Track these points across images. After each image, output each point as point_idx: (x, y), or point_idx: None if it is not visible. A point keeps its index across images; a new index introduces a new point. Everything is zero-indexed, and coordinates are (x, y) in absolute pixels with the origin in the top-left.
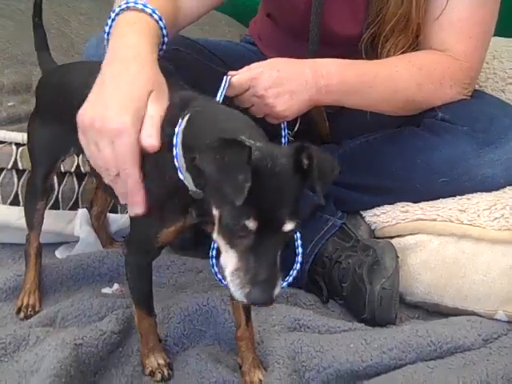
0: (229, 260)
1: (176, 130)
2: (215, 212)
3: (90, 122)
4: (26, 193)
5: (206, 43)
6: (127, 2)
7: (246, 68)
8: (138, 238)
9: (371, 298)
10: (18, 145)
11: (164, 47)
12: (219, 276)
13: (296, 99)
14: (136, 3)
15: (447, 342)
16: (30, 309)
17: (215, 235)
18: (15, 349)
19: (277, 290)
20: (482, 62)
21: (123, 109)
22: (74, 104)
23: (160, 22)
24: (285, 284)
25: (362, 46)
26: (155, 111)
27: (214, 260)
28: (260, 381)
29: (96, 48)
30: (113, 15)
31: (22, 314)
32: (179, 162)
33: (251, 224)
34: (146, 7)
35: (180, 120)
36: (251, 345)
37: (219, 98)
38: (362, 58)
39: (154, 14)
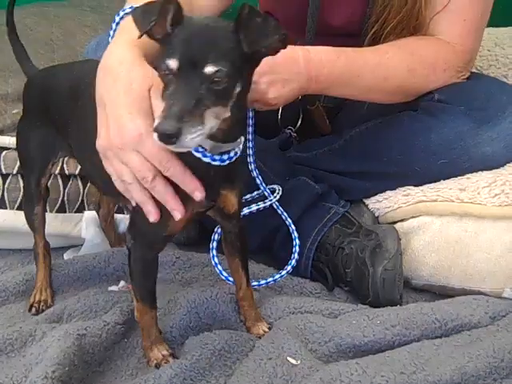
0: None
1: None
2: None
3: (109, 145)
4: (24, 198)
5: None
6: (131, 7)
7: None
8: (145, 229)
9: (374, 279)
10: None
11: None
12: (219, 268)
13: (288, 87)
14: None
15: (452, 319)
16: (42, 304)
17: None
18: (22, 344)
19: (187, 130)
20: (478, 45)
21: (132, 116)
22: (60, 106)
23: None
24: (284, 273)
25: (365, 42)
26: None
27: (214, 251)
28: (265, 332)
29: (95, 51)
30: (117, 19)
31: (33, 310)
32: None
33: (172, 62)
34: None
35: None
36: (252, 302)
37: (250, 130)
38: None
39: None
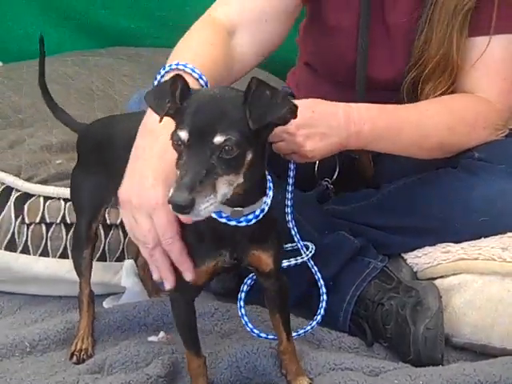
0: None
1: None
2: None
3: (127, 199)
4: (73, 242)
5: None
6: (174, 63)
7: None
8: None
9: (416, 338)
10: (66, 200)
11: None
12: (246, 319)
13: (326, 142)
14: (178, 64)
15: (495, 381)
16: (82, 353)
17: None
18: None
19: (200, 200)
20: None
21: (156, 182)
22: (114, 155)
23: (200, 81)
24: (314, 323)
25: (404, 89)
26: None
27: (241, 302)
28: None
29: (139, 104)
30: (162, 72)
31: (74, 358)
32: None
33: (183, 134)
34: (186, 67)
35: None
36: (294, 356)
37: (290, 182)
38: (403, 101)
39: (193, 73)
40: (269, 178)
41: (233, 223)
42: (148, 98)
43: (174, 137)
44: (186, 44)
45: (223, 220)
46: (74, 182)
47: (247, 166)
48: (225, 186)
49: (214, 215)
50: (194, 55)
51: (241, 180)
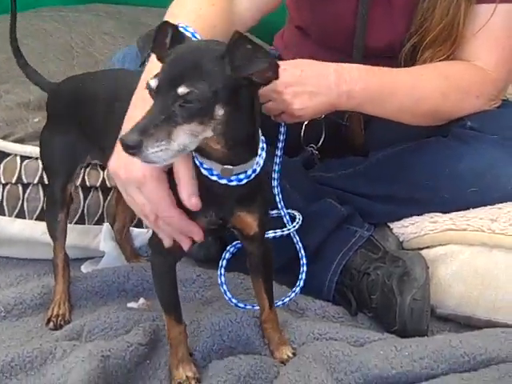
0: None
1: None
2: None
3: (116, 172)
4: (47, 205)
5: None
6: (177, 26)
7: None
8: (158, 238)
9: (402, 309)
10: None
11: None
12: (225, 287)
13: (315, 101)
14: (178, 27)
15: (481, 353)
16: (60, 318)
17: None
18: (42, 362)
19: (149, 144)
20: (511, 74)
21: None
22: (90, 113)
23: None
24: (293, 295)
25: (402, 56)
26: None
27: (222, 270)
28: (289, 357)
29: (122, 63)
30: None
31: (51, 324)
32: None
33: (152, 82)
34: (186, 31)
35: None
36: (276, 325)
37: (280, 146)
38: (399, 67)
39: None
40: (262, 138)
41: (224, 181)
42: (139, 42)
43: (147, 83)
44: (185, 3)
45: (214, 178)
46: (44, 142)
47: (219, 121)
48: (185, 136)
49: (204, 172)
50: (194, 17)
51: (209, 134)
